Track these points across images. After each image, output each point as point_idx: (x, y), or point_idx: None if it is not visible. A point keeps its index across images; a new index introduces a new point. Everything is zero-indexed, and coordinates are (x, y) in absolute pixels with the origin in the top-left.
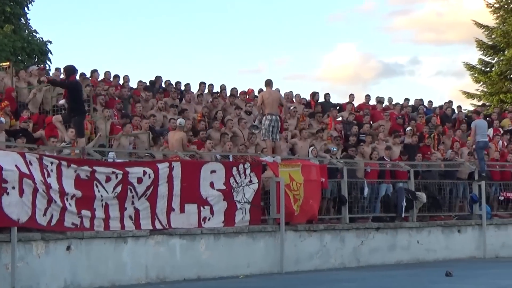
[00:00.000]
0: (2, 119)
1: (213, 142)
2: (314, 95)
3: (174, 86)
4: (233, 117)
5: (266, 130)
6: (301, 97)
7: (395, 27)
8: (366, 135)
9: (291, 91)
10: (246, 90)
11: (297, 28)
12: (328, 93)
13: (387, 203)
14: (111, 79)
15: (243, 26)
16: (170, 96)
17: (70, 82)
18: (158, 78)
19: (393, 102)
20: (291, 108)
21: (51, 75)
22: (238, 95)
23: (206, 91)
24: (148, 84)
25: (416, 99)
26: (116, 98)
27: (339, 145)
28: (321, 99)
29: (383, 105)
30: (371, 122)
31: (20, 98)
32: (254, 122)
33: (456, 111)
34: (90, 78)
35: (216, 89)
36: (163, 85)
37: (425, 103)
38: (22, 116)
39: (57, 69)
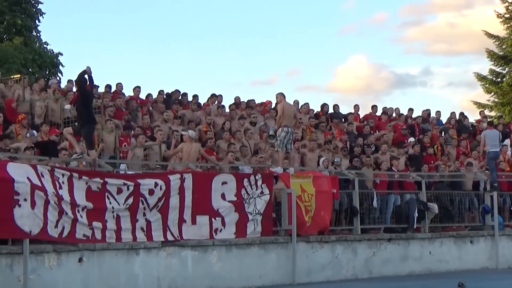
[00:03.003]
0: (34, 132)
1: (234, 154)
2: (323, 106)
3: (180, 97)
4: (239, 128)
5: (281, 142)
6: (310, 108)
7: (407, 38)
8: (369, 146)
9: (307, 103)
10: (259, 102)
11: (309, 39)
12: (337, 104)
13: (399, 214)
14: (123, 91)
15: (255, 38)
16: (189, 108)
17: (86, 90)
18: (176, 91)
19: (400, 113)
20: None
21: (63, 87)
22: (244, 106)
23: (216, 102)
24: (165, 96)
25: (423, 110)
26: (124, 110)
27: (346, 156)
28: (331, 110)
29: (391, 116)
30: (376, 132)
31: (34, 110)
32: (270, 132)
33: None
34: (109, 92)
35: (229, 101)
36: (167, 96)
37: (434, 114)
38: (52, 129)
39: (69, 81)
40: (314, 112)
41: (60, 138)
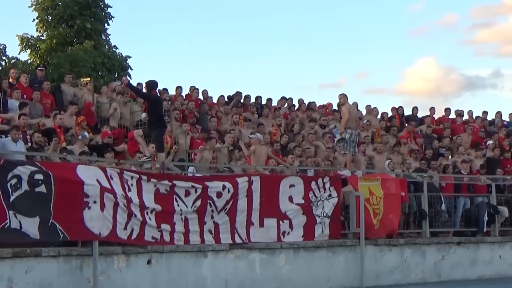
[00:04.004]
0: (86, 133)
1: (294, 156)
2: (398, 109)
3: (254, 101)
4: (308, 131)
5: (347, 144)
6: (380, 111)
7: (477, 40)
8: (445, 149)
9: (375, 107)
10: (325, 104)
11: (377, 42)
12: (416, 107)
13: (468, 218)
14: (192, 94)
15: (324, 41)
16: (249, 111)
17: (151, 95)
18: (238, 93)
19: (473, 115)
20: (365, 121)
21: None
22: (316, 108)
23: (286, 105)
24: (226, 99)
25: (497, 112)
26: (195, 113)
27: (417, 158)
28: (409, 112)
29: (463, 119)
30: (451, 136)
31: (101, 113)
32: (336, 136)
33: None
34: (174, 94)
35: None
36: (241, 100)
37: (507, 116)
38: (105, 131)
39: (139, 84)
40: (389, 115)
41: (114, 141)
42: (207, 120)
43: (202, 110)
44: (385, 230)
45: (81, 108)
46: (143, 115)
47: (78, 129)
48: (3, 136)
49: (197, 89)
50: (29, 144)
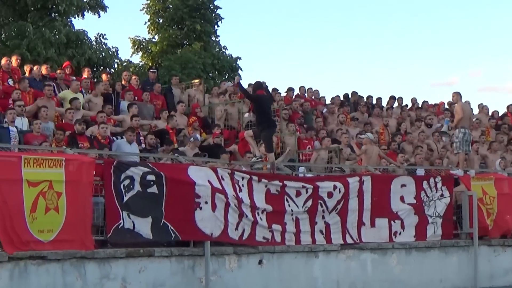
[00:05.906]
0: (198, 136)
1: (405, 156)
2: (509, 107)
3: (365, 100)
4: (414, 130)
5: (460, 143)
6: (491, 109)
7: None
8: None
9: (486, 105)
10: (437, 103)
11: (491, 40)
12: None
13: None
14: (306, 94)
15: (436, 39)
16: (359, 111)
17: (256, 95)
18: (355, 93)
19: None
20: (474, 120)
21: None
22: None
23: (396, 104)
24: (342, 98)
25: None
26: (300, 112)
27: None
28: None
29: None
30: None
31: (212, 114)
32: (443, 128)
33: None
34: (286, 95)
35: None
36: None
37: None
38: (215, 132)
39: (249, 85)
40: (499, 114)
41: (223, 141)
42: (312, 120)
43: (305, 109)
44: (499, 230)
45: (189, 109)
46: (246, 115)
47: (190, 129)
48: (119, 137)
49: (303, 87)
50: (143, 145)
